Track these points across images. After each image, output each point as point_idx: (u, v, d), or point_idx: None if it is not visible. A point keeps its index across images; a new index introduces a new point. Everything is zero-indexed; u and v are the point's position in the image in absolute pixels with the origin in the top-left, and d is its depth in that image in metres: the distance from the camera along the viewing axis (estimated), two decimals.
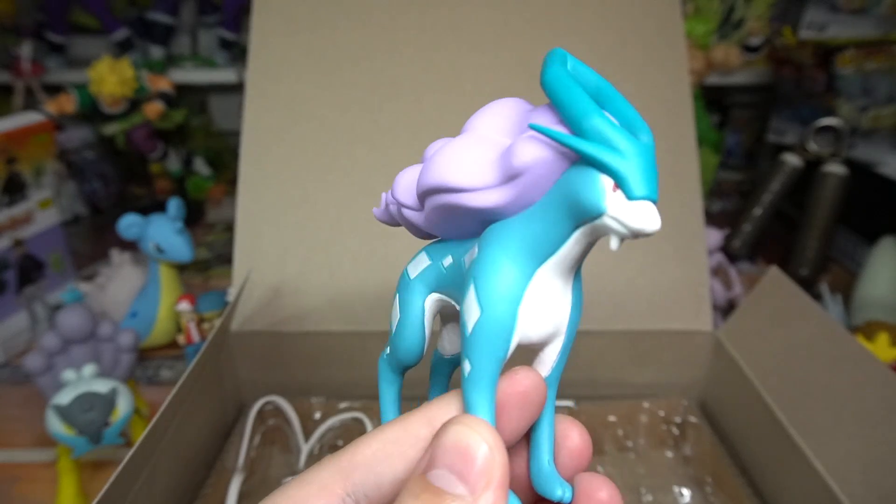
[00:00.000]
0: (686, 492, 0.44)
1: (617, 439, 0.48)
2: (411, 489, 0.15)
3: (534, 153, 0.16)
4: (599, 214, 0.15)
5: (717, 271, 0.69)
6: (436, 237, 0.22)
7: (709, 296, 0.49)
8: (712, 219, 0.86)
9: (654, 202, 0.15)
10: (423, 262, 0.21)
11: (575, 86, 0.16)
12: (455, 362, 0.23)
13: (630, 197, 0.15)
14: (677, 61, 0.52)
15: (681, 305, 0.49)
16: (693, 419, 0.48)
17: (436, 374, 0.24)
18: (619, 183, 0.15)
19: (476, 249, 0.18)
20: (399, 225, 0.23)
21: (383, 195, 0.24)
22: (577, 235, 0.16)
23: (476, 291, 0.17)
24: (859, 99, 0.77)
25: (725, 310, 0.65)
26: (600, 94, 0.17)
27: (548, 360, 0.19)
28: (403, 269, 0.22)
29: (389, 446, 0.17)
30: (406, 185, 0.21)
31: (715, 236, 0.68)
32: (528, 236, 0.17)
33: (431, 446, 0.16)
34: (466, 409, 0.17)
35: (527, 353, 0.19)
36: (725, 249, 0.74)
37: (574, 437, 0.20)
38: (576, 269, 0.18)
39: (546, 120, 0.17)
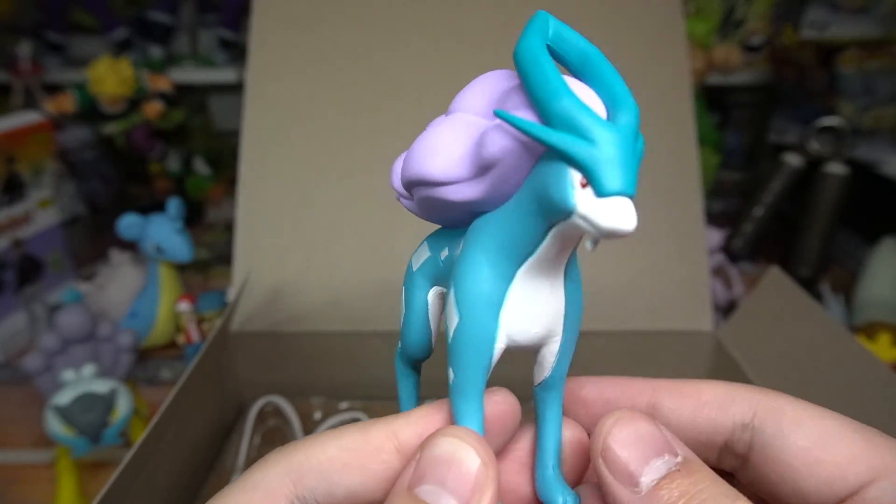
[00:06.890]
0: None
1: None
2: None
3: (500, 143, 0.15)
4: (569, 213, 0.14)
5: (717, 271, 0.69)
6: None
7: (709, 296, 0.49)
8: (713, 219, 0.86)
9: (630, 197, 0.13)
10: (424, 253, 0.20)
11: (545, 61, 0.14)
12: None
13: (599, 193, 0.13)
14: (678, 61, 0.52)
15: (681, 305, 0.49)
16: None
17: None
18: (588, 177, 0.13)
19: (463, 245, 0.17)
20: None
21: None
22: (553, 235, 0.15)
23: (455, 295, 0.16)
24: (860, 99, 0.77)
25: (726, 310, 0.65)
26: (586, 64, 0.15)
27: (546, 363, 0.18)
28: (410, 259, 0.21)
29: (347, 454, 0.16)
30: (397, 173, 0.19)
31: (716, 236, 0.68)
32: (503, 236, 0.16)
33: (419, 458, 0.15)
34: (454, 418, 0.16)
35: (527, 355, 0.18)
36: (726, 249, 0.74)
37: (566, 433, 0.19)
38: (564, 267, 0.17)
39: (517, 102, 0.15)
